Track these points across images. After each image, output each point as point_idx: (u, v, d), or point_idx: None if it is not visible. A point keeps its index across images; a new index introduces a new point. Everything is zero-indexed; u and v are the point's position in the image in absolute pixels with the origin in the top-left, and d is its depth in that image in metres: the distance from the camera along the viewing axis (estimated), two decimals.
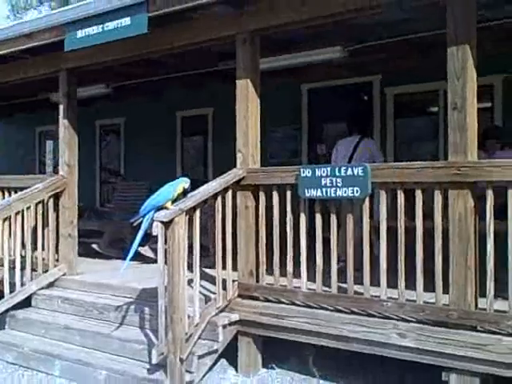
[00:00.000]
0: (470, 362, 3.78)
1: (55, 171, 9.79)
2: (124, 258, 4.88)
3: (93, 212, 9.05)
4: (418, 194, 4.02)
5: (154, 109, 9.89)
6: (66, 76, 6.36)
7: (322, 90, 8.36)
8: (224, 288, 4.84)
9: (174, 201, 4.45)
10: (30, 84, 7.41)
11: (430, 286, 3.98)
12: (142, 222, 4.57)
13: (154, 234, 4.38)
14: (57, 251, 6.36)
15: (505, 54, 6.30)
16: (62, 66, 6.28)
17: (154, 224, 4.38)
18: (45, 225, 6.25)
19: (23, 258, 5.99)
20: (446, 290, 3.93)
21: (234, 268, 4.95)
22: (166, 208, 4.36)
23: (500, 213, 3.83)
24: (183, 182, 4.59)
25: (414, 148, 7.41)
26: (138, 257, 7.11)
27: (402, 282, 4.08)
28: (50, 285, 6.19)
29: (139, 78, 8.34)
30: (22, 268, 5.96)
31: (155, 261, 6.63)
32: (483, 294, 3.80)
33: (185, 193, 4.57)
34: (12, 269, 5.89)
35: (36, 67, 6.53)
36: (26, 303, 6.01)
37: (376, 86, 7.96)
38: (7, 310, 5.85)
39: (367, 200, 4.25)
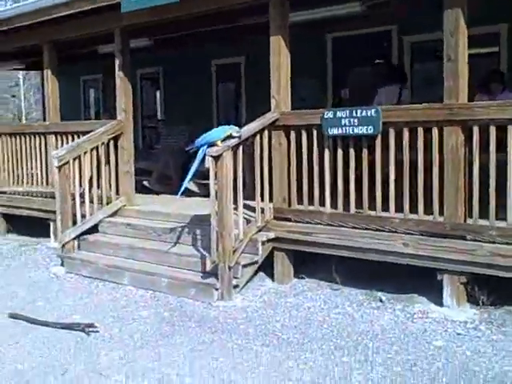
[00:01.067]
0: (459, 263, 4.79)
1: (103, 117, 10.90)
2: (177, 192, 5.96)
3: (139, 153, 10.08)
4: (420, 131, 4.96)
5: (190, 57, 10.74)
6: (120, 34, 7.31)
7: (345, 38, 9.13)
8: (262, 212, 5.88)
9: (222, 141, 5.44)
10: (82, 39, 8.37)
11: (429, 210, 4.96)
12: (196, 153, 5.60)
13: (206, 166, 5.39)
14: (117, 186, 7.46)
15: (508, 4, 7.02)
16: (117, 25, 7.21)
17: (206, 158, 5.39)
18: (106, 163, 7.32)
19: (90, 191, 7.10)
20: (441, 212, 4.91)
21: (270, 199, 5.97)
22: (217, 145, 5.36)
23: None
24: (233, 130, 5.55)
25: (429, 91, 8.23)
26: (185, 192, 8.22)
27: (406, 203, 5.08)
28: (113, 214, 7.32)
29: (177, 32, 9.21)
30: (90, 200, 7.08)
31: (199, 194, 7.78)
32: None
33: (231, 138, 5.53)
34: (82, 202, 7.01)
35: (94, 26, 7.46)
36: (95, 230, 7.17)
37: (394, 35, 8.72)
38: (79, 235, 7.02)
39: (379, 136, 5.20)
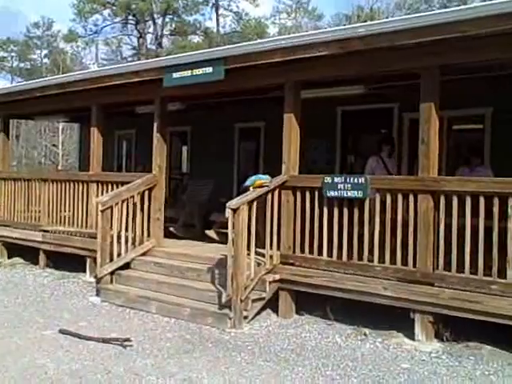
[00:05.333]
0: (427, 305, 5.93)
1: (135, 169, 12.25)
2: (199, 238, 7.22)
3: (166, 202, 11.37)
4: (399, 197, 6.18)
5: (216, 120, 12.14)
6: (160, 102, 8.70)
7: (353, 112, 10.49)
8: (271, 257, 7.07)
9: (259, 186, 6.90)
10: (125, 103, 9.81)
11: (405, 261, 6.13)
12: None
13: (227, 215, 6.62)
14: (148, 230, 8.70)
15: (494, 92, 8.30)
16: (158, 95, 8.61)
17: (227, 210, 6.62)
18: (141, 210, 8.58)
19: (126, 233, 8.34)
20: (415, 263, 6.07)
21: (278, 246, 7.16)
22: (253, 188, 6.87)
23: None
24: (268, 179, 7.00)
25: None
26: (205, 238, 9.46)
27: (387, 255, 6.25)
28: (144, 254, 8.55)
29: (208, 99, 10.64)
30: (125, 241, 8.32)
31: (218, 241, 9.00)
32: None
33: (262, 186, 6.93)
34: (118, 242, 8.25)
35: (138, 94, 8.89)
36: (127, 267, 8.38)
37: (395, 111, 10.03)
38: (114, 270, 8.23)
39: (368, 200, 6.41)
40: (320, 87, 8.69)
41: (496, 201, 5.59)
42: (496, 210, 5.58)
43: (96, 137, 9.75)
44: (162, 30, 45.61)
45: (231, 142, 12.39)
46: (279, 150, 7.29)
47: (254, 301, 6.79)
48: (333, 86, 8.66)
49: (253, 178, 7.11)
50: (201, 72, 7.54)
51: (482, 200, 5.65)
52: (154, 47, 44.73)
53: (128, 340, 6.00)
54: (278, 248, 7.17)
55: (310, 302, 7.06)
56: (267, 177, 7.04)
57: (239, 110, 11.56)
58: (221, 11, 45.67)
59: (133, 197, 8.50)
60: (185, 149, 13.98)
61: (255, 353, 5.73)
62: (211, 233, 9.26)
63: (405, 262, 6.13)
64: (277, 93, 9.01)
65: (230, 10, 45.91)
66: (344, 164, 10.77)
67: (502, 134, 8.50)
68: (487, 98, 8.50)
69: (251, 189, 6.87)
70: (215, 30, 45.23)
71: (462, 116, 9.04)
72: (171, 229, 9.94)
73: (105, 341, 6.09)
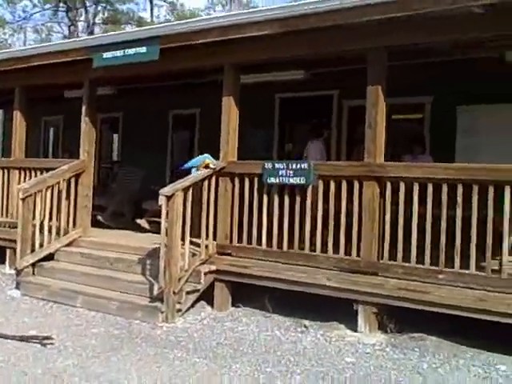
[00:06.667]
0: (371, 296, 5.65)
1: (63, 156, 11.55)
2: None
3: (95, 190, 10.73)
4: (344, 184, 5.87)
5: (149, 106, 11.56)
6: (89, 84, 8.11)
7: (291, 99, 10.16)
8: (206, 247, 6.64)
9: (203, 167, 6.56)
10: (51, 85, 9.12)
11: (349, 251, 5.83)
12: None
13: (159, 203, 6.14)
14: (74, 218, 8.10)
15: (432, 81, 8.15)
16: (87, 77, 8.01)
17: (160, 197, 6.14)
18: (67, 197, 7.97)
19: (49, 222, 7.72)
20: (359, 253, 5.79)
21: (214, 236, 6.74)
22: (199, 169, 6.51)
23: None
24: (211, 161, 6.64)
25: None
26: (136, 227, 8.93)
27: (330, 243, 5.94)
28: (69, 244, 7.94)
29: (140, 84, 10.08)
30: (49, 230, 7.70)
31: (149, 231, 8.49)
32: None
33: (207, 167, 6.55)
34: (41, 232, 7.62)
35: (66, 75, 8.23)
36: (51, 258, 7.76)
37: (335, 99, 9.77)
38: (36, 262, 7.59)
39: (310, 187, 6.08)
40: (259, 71, 8.31)
41: (444, 188, 5.36)
42: (444, 197, 5.35)
43: (19, 121, 9.06)
44: (94, 19, 44.11)
45: (165, 130, 11.84)
46: (216, 138, 6.87)
47: (188, 293, 6.34)
48: (272, 71, 8.32)
49: (200, 157, 6.73)
50: (134, 52, 7.01)
51: (429, 187, 5.41)
52: (85, 36, 43.26)
53: (48, 338, 5.45)
54: (215, 238, 6.75)
55: (248, 294, 6.67)
56: (210, 157, 6.69)
57: (174, 96, 11.01)
58: (155, 1, 44.70)
59: (58, 184, 7.88)
60: (116, 137, 13.34)
61: (189, 349, 5.30)
62: (142, 222, 8.74)
63: (349, 252, 5.84)
64: (214, 77, 8.62)
65: (165, 1, 44.96)
66: (282, 152, 10.42)
67: (442, 123, 8.40)
68: (427, 87, 8.35)
69: (197, 170, 6.45)
70: (149, 20, 44.19)
71: (403, 104, 8.89)
72: (99, 217, 9.34)
73: (23, 339, 5.51)
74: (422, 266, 5.42)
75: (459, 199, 5.29)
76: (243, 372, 4.71)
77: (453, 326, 5.33)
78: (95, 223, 9.19)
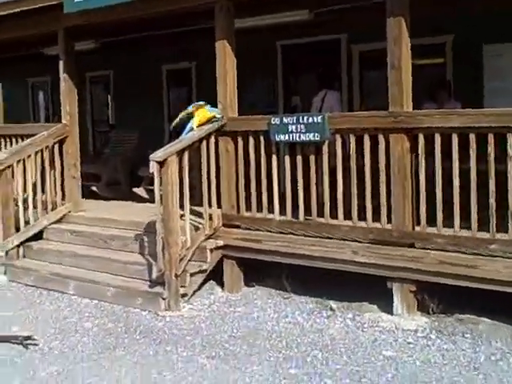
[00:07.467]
0: (408, 271, 4.76)
1: (53, 120, 10.61)
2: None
3: (88, 158, 9.82)
4: (366, 138, 4.93)
5: (141, 62, 10.55)
6: (63, 34, 7.10)
7: (295, 46, 9.10)
8: (210, 218, 5.76)
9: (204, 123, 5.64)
10: (26, 39, 8.09)
11: (378, 218, 4.93)
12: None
13: (151, 171, 5.24)
14: (63, 191, 7.22)
15: (452, 17, 7.10)
16: (61, 26, 6.99)
17: (151, 164, 5.23)
18: (51, 168, 7.08)
19: (35, 197, 6.86)
20: (389, 220, 4.89)
21: (219, 205, 5.86)
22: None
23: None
24: (215, 111, 5.71)
25: (377, 99, 8.28)
26: (134, 197, 8.06)
27: (354, 211, 5.04)
28: (59, 220, 7.08)
29: (124, 35, 9.02)
30: (34, 206, 6.84)
31: (148, 200, 7.62)
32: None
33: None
34: (25, 207, 6.77)
35: (36, 26, 7.17)
36: (39, 237, 6.92)
37: (343, 43, 8.72)
38: (23, 242, 6.76)
39: (326, 143, 5.16)
40: (257, 13, 7.29)
41: (491, 138, 4.42)
42: (491, 149, 4.42)
43: None
44: None
45: (159, 87, 10.80)
46: (215, 95, 5.91)
47: (192, 274, 5.49)
48: (272, 12, 7.27)
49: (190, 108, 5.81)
50: None
51: (472, 138, 4.48)
52: None
53: (30, 338, 4.64)
54: (220, 206, 5.87)
55: (262, 271, 5.82)
56: (214, 108, 5.73)
57: (166, 49, 9.98)
58: None
59: (41, 152, 6.98)
60: (109, 97, 12.34)
61: (196, 345, 4.46)
62: (140, 191, 7.86)
63: (377, 219, 4.94)
64: (209, 23, 7.62)
65: None
66: (287, 107, 9.40)
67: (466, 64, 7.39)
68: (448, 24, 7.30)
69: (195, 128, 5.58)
70: None
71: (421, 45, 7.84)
72: (94, 188, 8.46)
73: (1, 339, 4.72)
74: (468, 234, 4.52)
75: (510, 151, 4.35)
76: (261, 377, 3.87)
77: (508, 306, 4.45)
78: (90, 194, 8.36)
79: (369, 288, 4.99)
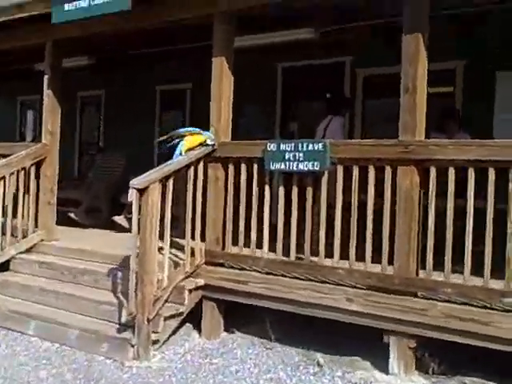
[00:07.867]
0: (408, 325, 4.14)
1: (36, 140, 10.04)
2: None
3: (70, 182, 9.23)
4: (371, 169, 4.35)
5: (135, 82, 10.03)
6: (51, 47, 6.58)
7: (297, 69, 8.58)
8: (192, 255, 5.15)
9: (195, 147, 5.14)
10: (14, 53, 7.59)
11: (378, 258, 4.33)
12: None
13: (129, 199, 4.65)
14: (36, 218, 6.60)
15: (466, 41, 6.59)
16: (49, 38, 6.48)
17: (130, 191, 4.65)
18: (25, 191, 6.48)
19: (3, 223, 6.26)
20: (391, 263, 4.28)
21: (203, 238, 5.25)
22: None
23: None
24: (208, 136, 5.19)
25: (382, 127, 7.72)
26: (113, 225, 7.43)
27: (352, 253, 4.43)
28: (29, 250, 6.44)
29: (120, 52, 8.54)
30: (3, 233, 6.23)
31: (128, 230, 6.98)
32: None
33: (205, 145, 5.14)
34: None
35: (24, 38, 6.69)
36: (5, 267, 6.29)
37: (347, 67, 8.19)
38: None
39: (326, 174, 4.57)
40: (260, 30, 6.78)
41: None
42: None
43: None
44: None
45: (151, 109, 10.25)
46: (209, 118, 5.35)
47: (167, 318, 4.85)
48: (277, 30, 6.76)
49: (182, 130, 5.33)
50: (101, 1, 5.50)
51: (492, 171, 3.89)
52: None
53: None
54: (204, 239, 5.26)
55: (244, 315, 5.18)
56: (207, 133, 5.21)
57: (161, 68, 9.46)
58: None
59: (16, 174, 6.39)
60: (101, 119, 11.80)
61: None
62: (121, 219, 7.21)
63: (377, 260, 4.32)
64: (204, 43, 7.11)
65: None
66: (284, 133, 8.82)
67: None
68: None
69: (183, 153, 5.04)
70: None
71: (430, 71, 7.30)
72: (71, 215, 7.83)
73: None
74: (480, 284, 3.91)
75: None
76: None
77: None
78: (69, 222, 7.72)
79: (362, 341, 4.37)
